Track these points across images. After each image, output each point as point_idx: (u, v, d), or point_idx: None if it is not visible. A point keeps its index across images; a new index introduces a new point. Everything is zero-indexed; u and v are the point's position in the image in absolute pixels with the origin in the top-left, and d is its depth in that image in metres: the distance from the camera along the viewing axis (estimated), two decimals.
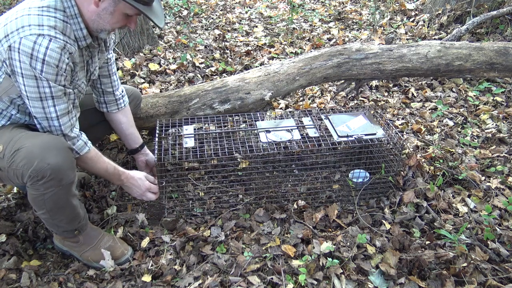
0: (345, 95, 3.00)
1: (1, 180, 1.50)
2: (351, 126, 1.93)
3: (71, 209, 1.50)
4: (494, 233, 1.69)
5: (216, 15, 4.80)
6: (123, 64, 3.29)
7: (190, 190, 2.06)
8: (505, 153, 2.29)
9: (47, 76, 1.33)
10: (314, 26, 4.51)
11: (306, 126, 1.96)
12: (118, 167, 1.68)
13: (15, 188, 2.01)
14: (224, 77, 3.10)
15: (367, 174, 2.01)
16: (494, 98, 2.89)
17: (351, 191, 1.98)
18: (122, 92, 1.90)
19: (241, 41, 4.01)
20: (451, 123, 2.64)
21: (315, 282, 1.48)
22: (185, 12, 4.70)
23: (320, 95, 3.07)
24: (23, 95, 1.38)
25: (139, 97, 2.11)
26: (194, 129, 1.97)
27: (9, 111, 1.46)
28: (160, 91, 2.93)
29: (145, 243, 1.72)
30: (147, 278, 1.52)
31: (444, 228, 1.73)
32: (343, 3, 5.32)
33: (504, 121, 2.63)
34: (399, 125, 2.60)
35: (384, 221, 1.79)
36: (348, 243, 1.65)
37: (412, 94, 3.02)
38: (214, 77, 3.29)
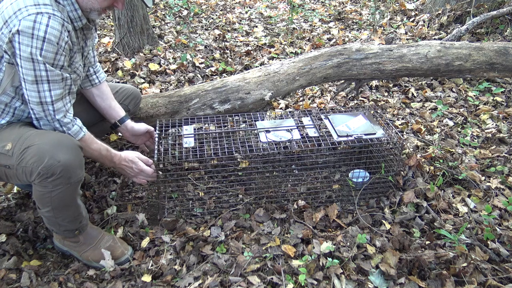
0: (345, 95, 3.00)
1: (8, 179, 1.49)
2: (351, 126, 1.93)
3: (75, 208, 1.51)
4: (494, 233, 1.69)
5: (216, 15, 4.80)
6: (123, 64, 3.29)
7: (190, 190, 2.06)
8: (505, 153, 2.29)
9: (47, 55, 1.33)
10: (314, 26, 4.51)
11: (306, 126, 1.96)
12: (111, 149, 1.66)
13: (15, 188, 2.01)
14: (224, 77, 3.10)
15: (367, 174, 2.01)
16: (494, 98, 2.89)
17: (351, 191, 1.98)
18: (96, 68, 1.84)
19: (241, 41, 4.01)
20: (451, 123, 2.64)
21: (315, 282, 1.48)
22: (185, 12, 4.70)
23: (320, 95, 3.07)
24: (21, 78, 1.37)
25: (138, 97, 2.10)
26: (194, 129, 1.97)
27: (13, 103, 1.46)
28: (160, 91, 2.93)
29: (145, 243, 1.72)
30: (147, 278, 1.52)
31: (444, 228, 1.73)
32: (343, 3, 5.32)
33: (504, 121, 2.63)
34: (399, 125, 2.60)
35: (384, 221, 1.79)
36: (348, 243, 1.65)
37: (412, 94, 3.02)
38: (214, 77, 3.29)
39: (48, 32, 1.30)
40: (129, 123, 1.93)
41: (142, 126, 1.94)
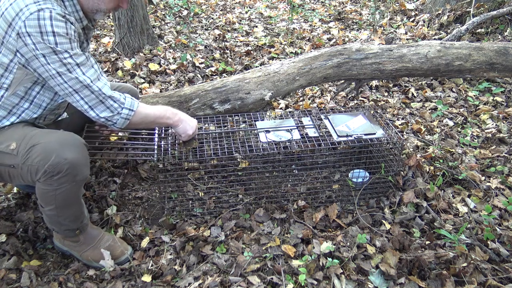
0: (345, 95, 3.00)
1: (11, 179, 1.49)
2: (351, 126, 1.93)
3: (78, 207, 1.51)
4: (494, 233, 1.69)
5: (216, 15, 4.80)
6: (123, 64, 3.29)
7: (190, 190, 2.06)
8: (505, 153, 2.29)
9: (63, 47, 1.34)
10: (314, 26, 4.51)
11: (306, 126, 1.96)
12: (167, 107, 1.74)
13: (15, 188, 2.01)
14: (224, 77, 3.10)
15: (367, 174, 2.01)
16: (494, 98, 2.89)
17: (351, 191, 1.98)
18: None
19: (241, 41, 4.01)
20: (451, 123, 2.64)
21: (315, 282, 1.48)
22: (185, 12, 4.70)
23: (320, 95, 3.07)
24: (54, 76, 1.37)
25: (135, 95, 2.10)
26: None
27: (21, 105, 1.47)
28: (160, 91, 2.93)
29: (145, 243, 1.72)
30: (147, 278, 1.52)
31: (444, 228, 1.73)
32: (343, 3, 5.32)
33: (504, 121, 2.63)
34: (399, 125, 2.60)
35: (384, 221, 1.79)
36: (348, 243, 1.65)
37: (412, 94, 3.02)
38: (214, 77, 3.29)
39: (54, 26, 1.31)
40: None
41: None
